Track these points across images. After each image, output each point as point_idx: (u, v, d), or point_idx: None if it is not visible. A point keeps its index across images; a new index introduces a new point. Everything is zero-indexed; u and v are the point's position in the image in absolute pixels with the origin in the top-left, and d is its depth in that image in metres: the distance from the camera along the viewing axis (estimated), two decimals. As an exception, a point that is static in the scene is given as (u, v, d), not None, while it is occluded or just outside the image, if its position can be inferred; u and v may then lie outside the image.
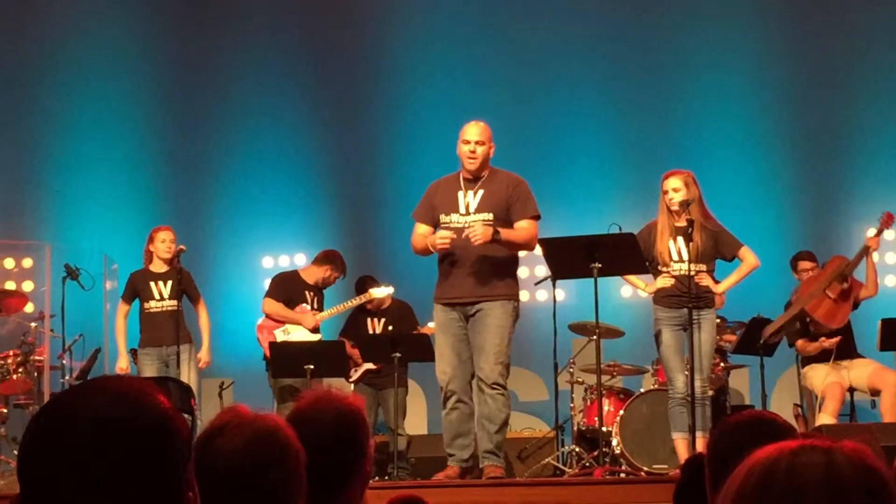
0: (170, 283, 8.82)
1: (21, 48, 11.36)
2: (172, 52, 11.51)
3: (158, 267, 8.91)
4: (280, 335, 9.04)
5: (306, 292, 9.19)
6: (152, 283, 8.83)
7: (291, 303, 9.12)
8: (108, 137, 11.21)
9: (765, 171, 10.84)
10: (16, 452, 8.80)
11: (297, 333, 9.02)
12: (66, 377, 9.25)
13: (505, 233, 6.91)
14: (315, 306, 9.16)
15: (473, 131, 7.03)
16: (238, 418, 2.38)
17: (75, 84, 11.29)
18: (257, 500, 2.31)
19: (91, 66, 11.33)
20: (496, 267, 6.96)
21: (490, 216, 6.95)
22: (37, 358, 9.21)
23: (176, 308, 8.82)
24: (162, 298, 8.81)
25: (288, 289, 9.18)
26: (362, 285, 9.36)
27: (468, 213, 6.98)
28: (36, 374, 9.20)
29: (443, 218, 7.01)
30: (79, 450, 1.44)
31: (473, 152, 6.97)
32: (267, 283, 11.09)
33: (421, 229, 7.10)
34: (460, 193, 7.02)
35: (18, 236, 10.81)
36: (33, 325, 9.41)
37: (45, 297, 9.55)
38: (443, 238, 6.87)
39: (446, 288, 6.99)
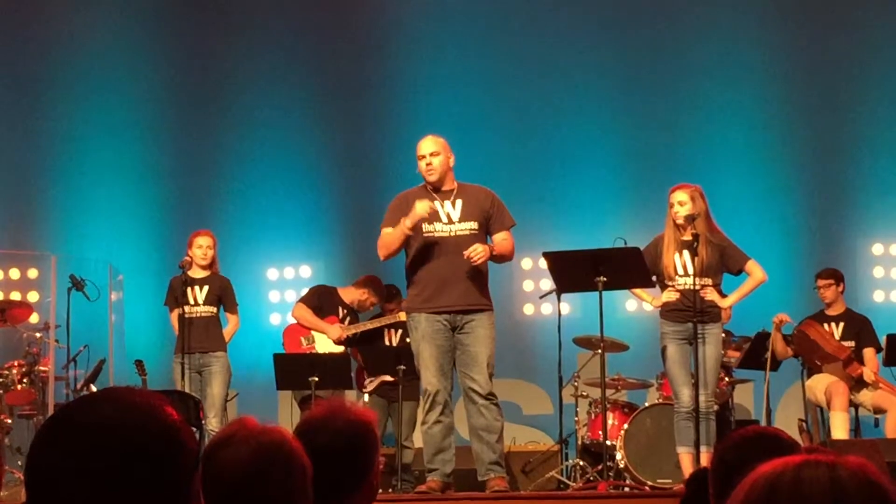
0: (206, 288, 8.68)
1: (27, 58, 11.39)
2: (178, 62, 11.54)
3: (197, 272, 8.72)
4: (303, 342, 9.09)
5: (340, 308, 9.24)
6: (188, 289, 8.63)
7: (322, 312, 9.17)
8: (114, 148, 11.23)
9: (771, 185, 10.84)
10: (20, 463, 8.80)
11: (320, 343, 9.08)
12: (71, 388, 9.25)
13: (496, 248, 7.02)
14: (346, 324, 9.20)
15: (425, 145, 7.14)
16: (244, 430, 2.38)
17: (81, 94, 11.31)
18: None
19: (97, 75, 11.35)
20: (481, 277, 7.02)
21: (475, 225, 7.02)
22: (41, 368, 9.20)
23: (211, 315, 8.68)
24: (197, 304, 8.64)
25: (322, 299, 9.24)
26: (389, 294, 9.40)
27: (451, 223, 7.02)
28: (41, 384, 9.19)
29: (426, 227, 7.01)
30: (86, 458, 1.45)
31: (430, 164, 7.05)
32: (271, 296, 11.17)
33: (387, 231, 7.09)
34: (437, 204, 7.05)
35: (24, 247, 10.82)
36: (38, 335, 9.40)
37: (50, 307, 9.52)
38: (427, 205, 6.87)
39: (433, 297, 6.95)
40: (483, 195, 7.13)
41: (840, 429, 8.20)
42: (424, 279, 6.98)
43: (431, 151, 7.07)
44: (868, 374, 8.45)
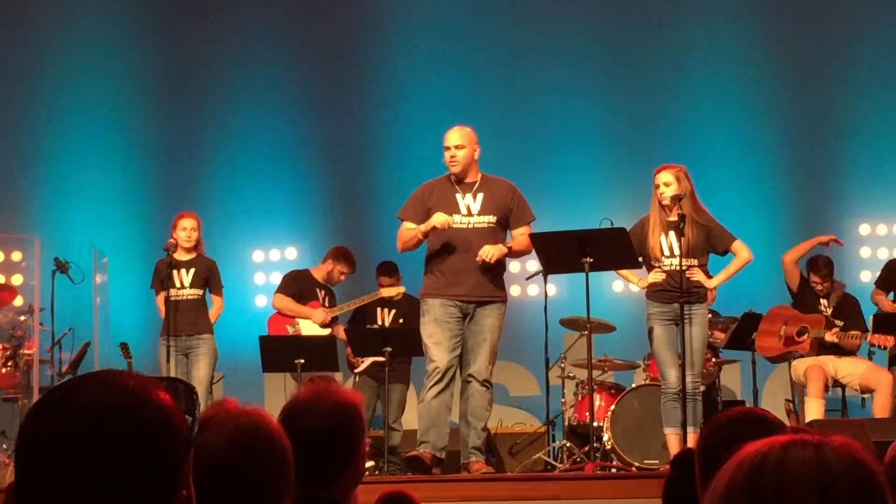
0: (192, 271, 8.59)
1: (10, 40, 11.32)
2: (163, 43, 11.49)
3: (182, 255, 8.63)
4: (289, 330, 9.08)
5: (317, 290, 9.25)
6: (174, 272, 8.53)
7: (302, 298, 9.18)
8: (98, 130, 11.18)
9: (757, 165, 10.85)
10: (5, 447, 8.79)
11: (306, 329, 9.06)
12: (56, 371, 9.23)
13: (514, 245, 7.21)
14: (327, 304, 9.19)
15: (451, 136, 7.23)
16: (223, 413, 2.36)
17: (65, 76, 11.26)
18: (241, 494, 2.29)
19: (81, 57, 11.29)
20: (495, 269, 7.18)
21: (493, 219, 7.17)
22: (26, 352, 9.19)
23: (198, 297, 8.59)
24: (183, 287, 8.55)
25: (299, 285, 9.25)
26: (387, 271, 9.37)
27: (470, 215, 7.16)
28: (25, 367, 9.17)
29: None
30: (76, 440, 1.44)
31: (453, 157, 7.16)
32: (257, 277, 11.14)
33: (408, 226, 7.22)
34: (458, 196, 7.18)
35: (8, 229, 10.77)
36: (23, 318, 9.38)
37: (34, 290, 9.50)
38: (445, 220, 7.00)
39: (448, 286, 7.11)
40: (505, 189, 7.28)
41: (814, 415, 8.18)
42: (440, 269, 7.15)
43: (456, 144, 7.18)
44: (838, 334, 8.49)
